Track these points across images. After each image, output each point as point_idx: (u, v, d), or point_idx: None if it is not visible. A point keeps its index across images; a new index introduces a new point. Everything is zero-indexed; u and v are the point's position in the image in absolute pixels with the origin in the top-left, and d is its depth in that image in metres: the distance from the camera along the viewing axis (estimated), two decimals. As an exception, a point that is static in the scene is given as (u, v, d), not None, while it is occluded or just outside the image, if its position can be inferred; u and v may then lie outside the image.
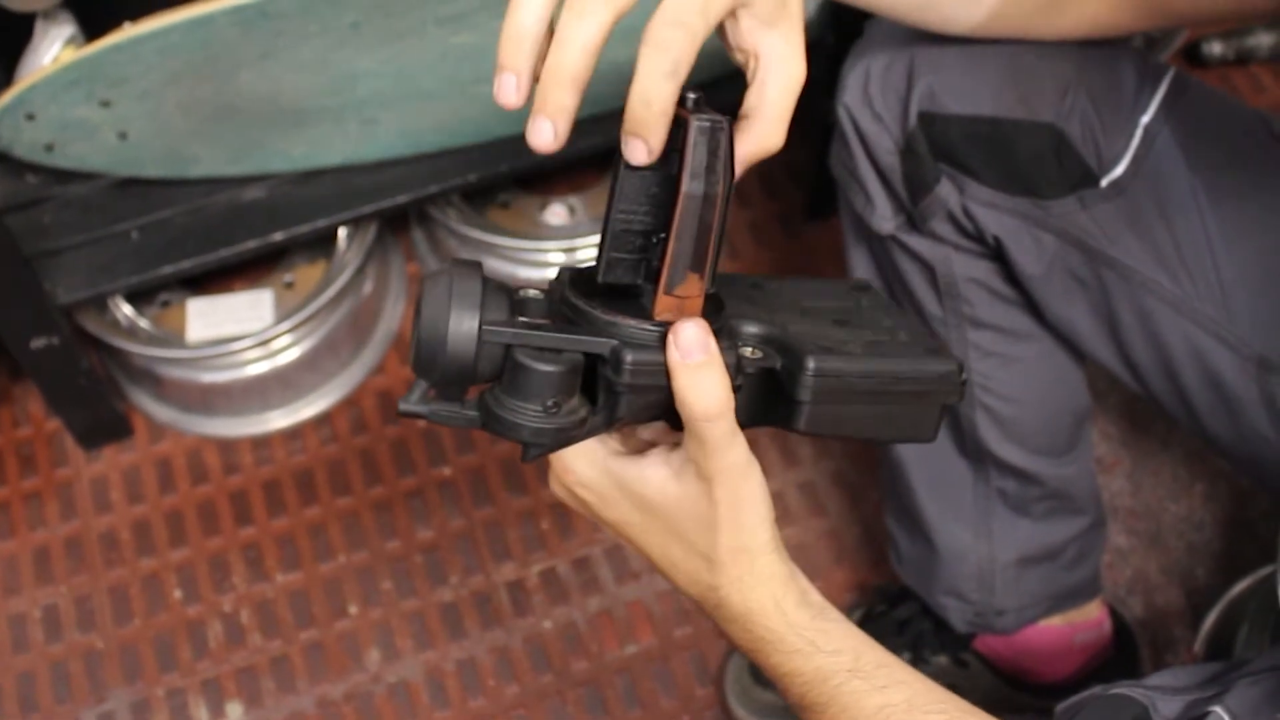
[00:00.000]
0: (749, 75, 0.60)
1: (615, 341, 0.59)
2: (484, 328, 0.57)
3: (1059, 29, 0.86)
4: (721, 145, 0.56)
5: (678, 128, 0.57)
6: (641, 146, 0.55)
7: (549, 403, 0.58)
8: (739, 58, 0.60)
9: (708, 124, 0.56)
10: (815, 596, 0.66)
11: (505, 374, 0.58)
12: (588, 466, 0.64)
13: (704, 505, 0.62)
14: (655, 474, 0.63)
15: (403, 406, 0.59)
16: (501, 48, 0.55)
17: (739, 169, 0.59)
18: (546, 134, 0.55)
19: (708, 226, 0.57)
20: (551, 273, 1.41)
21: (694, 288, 0.58)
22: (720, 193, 0.57)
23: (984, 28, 0.86)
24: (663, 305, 0.59)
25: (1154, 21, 0.86)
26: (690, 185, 0.56)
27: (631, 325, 0.59)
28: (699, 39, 0.54)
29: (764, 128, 0.59)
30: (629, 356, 0.58)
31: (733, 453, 0.60)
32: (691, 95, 0.57)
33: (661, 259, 0.58)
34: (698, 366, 0.58)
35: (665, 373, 0.58)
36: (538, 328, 0.58)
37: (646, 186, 0.59)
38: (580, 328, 0.59)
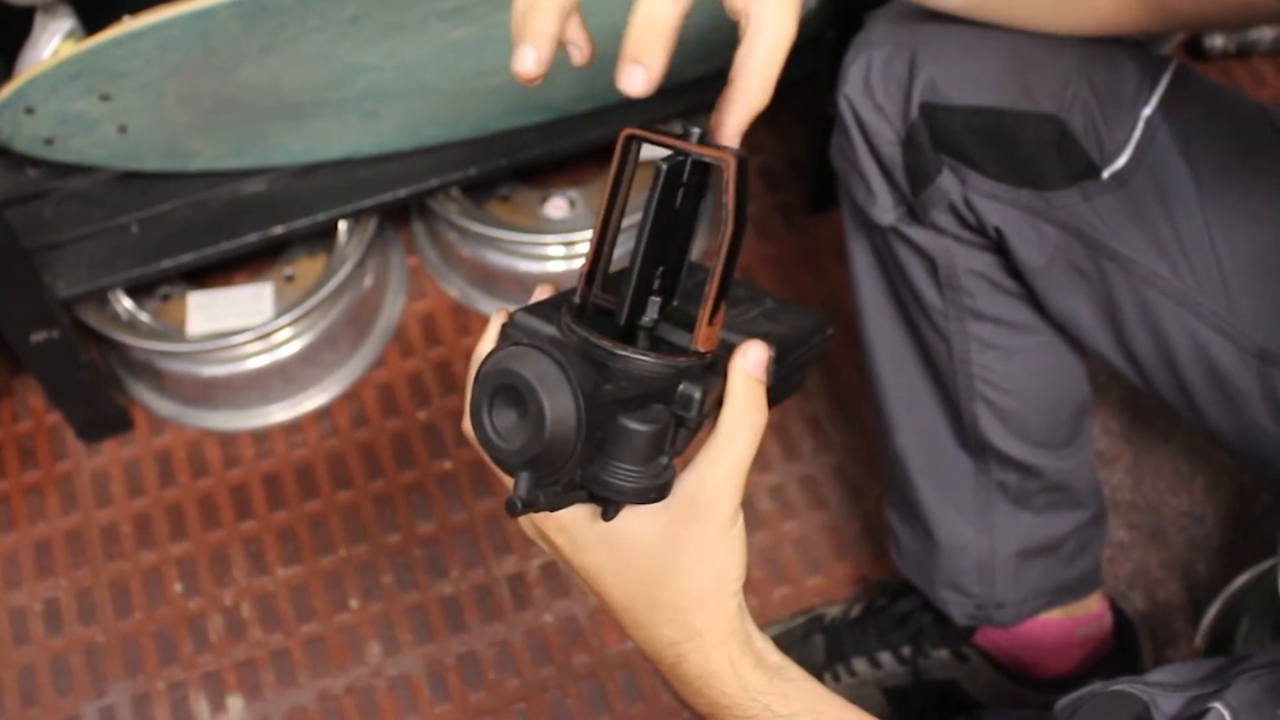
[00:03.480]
0: (740, 33, 0.60)
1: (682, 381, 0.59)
2: (635, 416, 0.56)
3: (1068, 23, 0.86)
4: (746, 180, 0.57)
5: (683, 165, 0.58)
6: (640, 73, 0.55)
7: (663, 460, 0.57)
8: (733, 16, 0.60)
9: (740, 160, 0.57)
10: (773, 657, 0.64)
11: (608, 441, 0.56)
12: (565, 511, 0.62)
13: (679, 544, 0.61)
14: (634, 514, 0.61)
15: (520, 504, 0.54)
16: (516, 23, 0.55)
17: (736, 136, 0.58)
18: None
19: (736, 257, 0.58)
20: (552, 266, 1.42)
21: (721, 313, 0.59)
22: (745, 224, 0.58)
23: (979, 7, 0.85)
24: (704, 335, 0.59)
25: (1162, 24, 0.86)
26: (736, 222, 0.57)
27: (683, 361, 0.58)
28: None
29: (750, 83, 0.58)
30: (696, 393, 0.58)
31: (734, 491, 0.61)
32: (695, 130, 0.58)
33: (697, 291, 0.59)
34: (761, 384, 0.60)
35: (718, 401, 0.60)
36: (641, 392, 0.57)
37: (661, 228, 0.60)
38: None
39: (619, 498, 0.57)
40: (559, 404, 0.53)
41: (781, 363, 0.64)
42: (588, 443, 0.54)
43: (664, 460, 0.57)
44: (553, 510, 0.57)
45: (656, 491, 0.58)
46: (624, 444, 0.56)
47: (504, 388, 0.54)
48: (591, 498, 0.58)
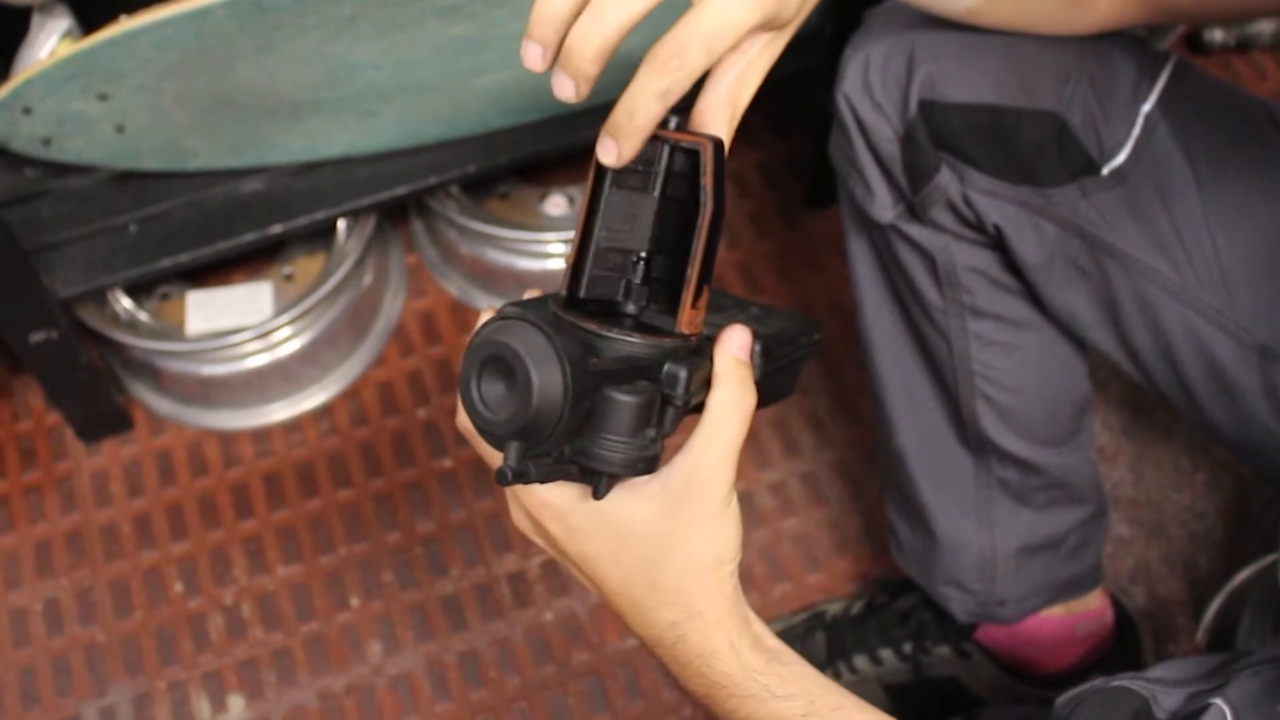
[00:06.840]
0: None
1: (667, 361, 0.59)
2: (622, 388, 0.57)
3: (1073, 27, 0.86)
4: (723, 164, 0.59)
5: (656, 148, 0.59)
6: (614, 148, 0.58)
7: (650, 433, 0.58)
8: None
9: (715, 144, 0.58)
10: (771, 641, 0.65)
11: (596, 414, 0.57)
12: (560, 498, 0.63)
13: (676, 526, 0.62)
14: (631, 497, 0.62)
15: (510, 474, 0.55)
16: (531, 22, 0.57)
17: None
18: (568, 90, 0.58)
19: (717, 240, 0.59)
20: (551, 264, 1.42)
21: (705, 297, 0.60)
22: (724, 208, 0.59)
23: (982, 12, 0.85)
24: (688, 318, 0.60)
25: (1162, 18, 0.86)
26: (714, 206, 0.59)
27: (668, 342, 0.59)
28: (697, 73, 0.57)
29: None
30: (682, 372, 0.59)
31: (728, 471, 0.62)
32: (674, 118, 0.59)
33: (675, 278, 0.60)
34: (747, 366, 0.62)
35: (706, 382, 0.61)
36: (627, 367, 0.58)
37: (627, 207, 0.61)
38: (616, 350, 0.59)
39: (608, 469, 0.58)
40: (546, 373, 0.54)
41: (768, 357, 0.65)
42: (574, 412, 0.55)
43: (651, 433, 0.59)
44: (543, 482, 0.58)
45: (645, 463, 0.59)
46: (611, 415, 0.57)
47: (492, 359, 0.56)
48: (582, 473, 0.59)
